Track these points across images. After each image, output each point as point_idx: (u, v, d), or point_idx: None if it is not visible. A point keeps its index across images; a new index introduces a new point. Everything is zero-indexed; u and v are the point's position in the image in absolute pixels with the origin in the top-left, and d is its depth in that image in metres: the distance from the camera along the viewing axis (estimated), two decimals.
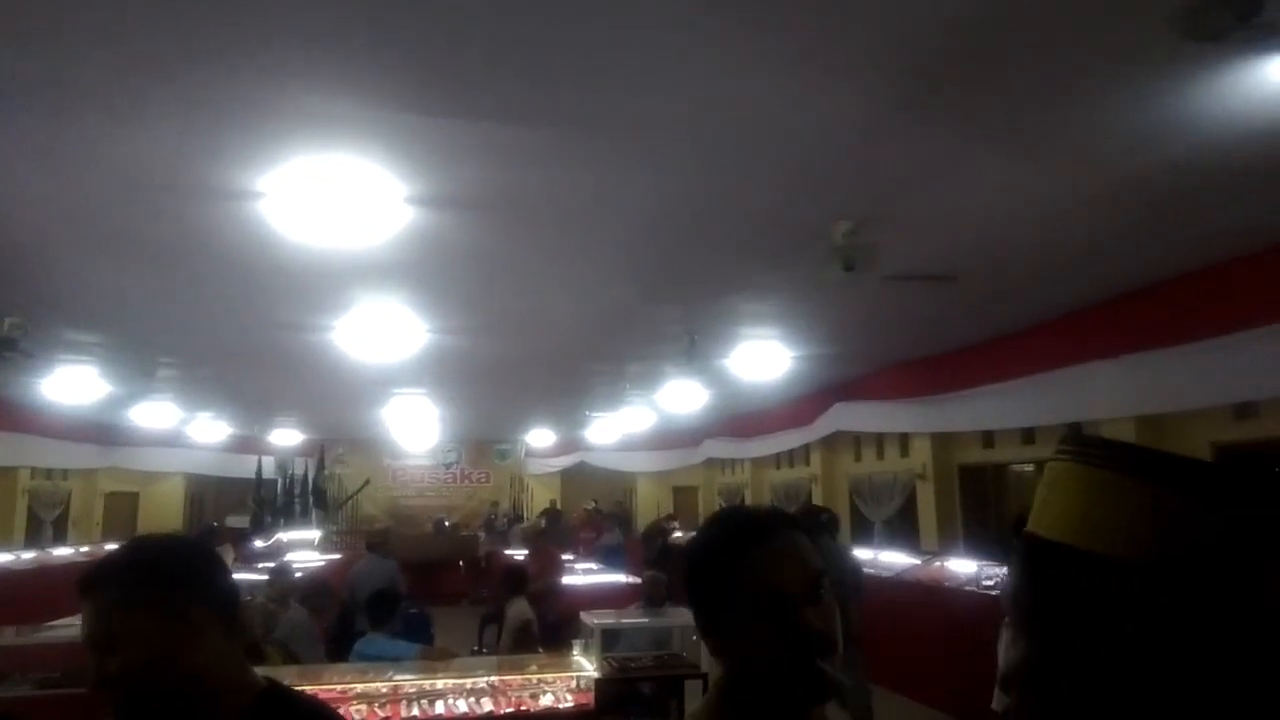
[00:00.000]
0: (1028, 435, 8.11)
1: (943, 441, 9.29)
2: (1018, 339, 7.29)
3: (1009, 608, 0.82)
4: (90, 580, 1.26)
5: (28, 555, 11.10)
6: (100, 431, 13.99)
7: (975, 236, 4.73)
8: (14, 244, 4.79)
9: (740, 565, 1.08)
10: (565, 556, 11.64)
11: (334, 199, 3.94)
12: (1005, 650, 2.77)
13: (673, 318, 6.83)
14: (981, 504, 9.07)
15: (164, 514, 16.72)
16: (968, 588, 7.10)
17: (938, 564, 8.05)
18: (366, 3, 2.51)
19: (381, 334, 6.82)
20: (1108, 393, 6.26)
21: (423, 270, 5.34)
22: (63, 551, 12.09)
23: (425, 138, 3.42)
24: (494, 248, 4.92)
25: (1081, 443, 0.76)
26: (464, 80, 2.98)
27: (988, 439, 8.82)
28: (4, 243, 4.75)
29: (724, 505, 15.08)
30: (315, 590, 5.81)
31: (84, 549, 12.66)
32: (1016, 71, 2.91)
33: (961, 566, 7.67)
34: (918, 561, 8.39)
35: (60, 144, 3.49)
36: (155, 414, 12.53)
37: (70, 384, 8.99)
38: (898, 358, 8.92)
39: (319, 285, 5.70)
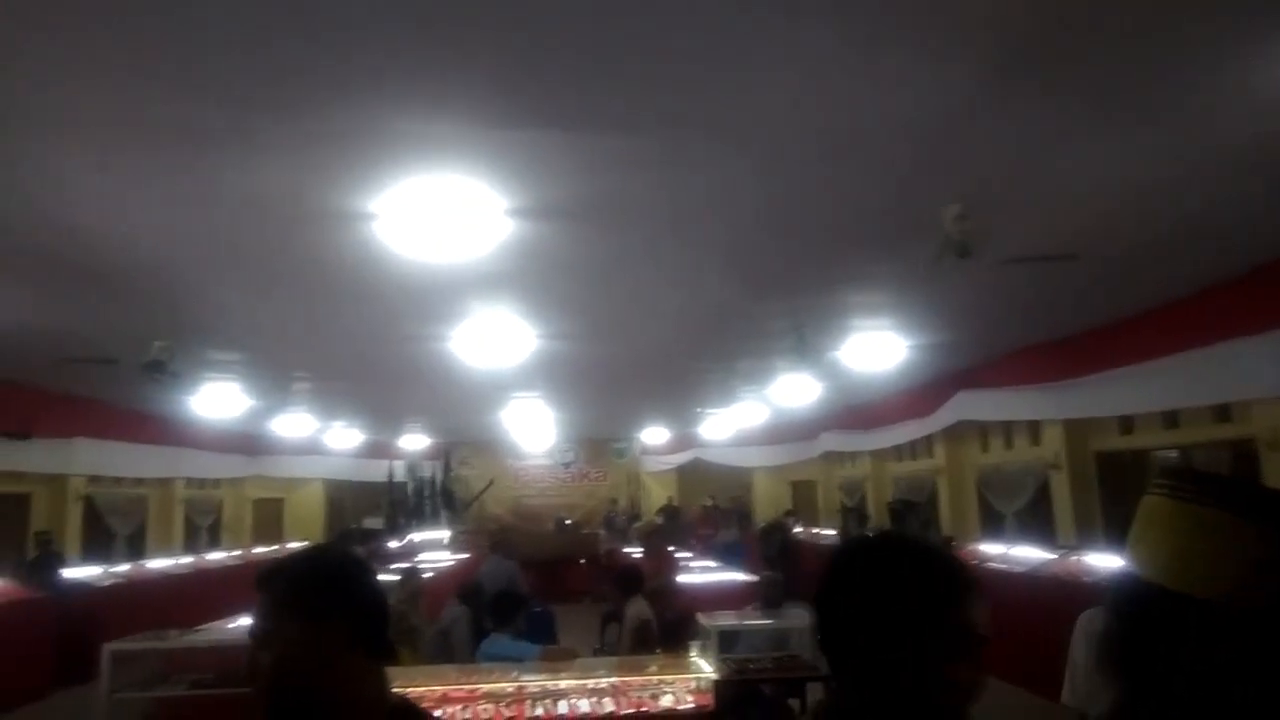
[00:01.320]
0: (1169, 419, 7.57)
1: (1077, 428, 8.78)
2: (1153, 316, 6.81)
3: (1100, 650, 0.75)
4: (260, 578, 1.38)
5: (186, 560, 12.00)
6: (246, 442, 15.00)
7: (1098, 212, 4.45)
8: (159, 274, 5.18)
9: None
10: (683, 554, 11.70)
11: (440, 216, 4.08)
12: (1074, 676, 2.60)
13: (780, 312, 6.73)
14: (1121, 493, 8.53)
15: (307, 518, 17.78)
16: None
17: (1075, 558, 7.62)
18: (459, 27, 2.58)
19: (494, 341, 7.02)
20: (1255, 371, 5.76)
21: (528, 279, 5.46)
22: (216, 556, 13.01)
23: (522, 151, 3.49)
24: (595, 253, 4.98)
25: (1176, 477, 0.71)
26: (556, 92, 3.02)
27: (1126, 424, 8.28)
28: (150, 273, 5.15)
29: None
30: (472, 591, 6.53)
31: (236, 553, 13.58)
32: (1130, 38, 2.72)
33: (1103, 560, 7.24)
34: (1053, 556, 7.97)
35: (194, 181, 3.75)
36: (294, 424, 13.36)
37: (216, 400, 9.67)
38: (1023, 342, 8.50)
39: (433, 298, 5.92)
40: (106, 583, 9.56)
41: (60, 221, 4.22)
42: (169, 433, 12.32)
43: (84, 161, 3.52)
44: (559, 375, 9.64)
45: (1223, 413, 6.88)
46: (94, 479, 11.36)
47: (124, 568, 10.50)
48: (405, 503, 17.54)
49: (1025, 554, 8.40)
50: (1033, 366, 8.61)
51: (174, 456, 12.76)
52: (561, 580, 13.93)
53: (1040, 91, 3.08)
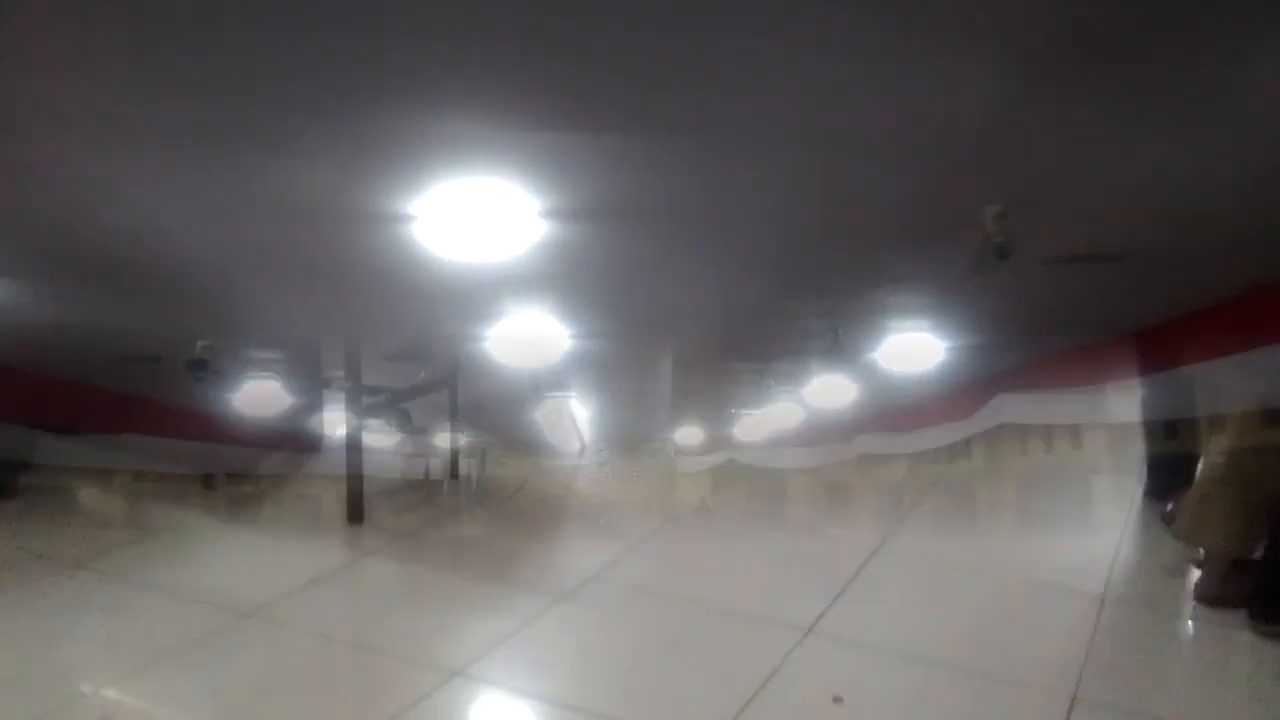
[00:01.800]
0: (1220, 424, 7.36)
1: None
2: (1205, 318, 6.63)
3: None
4: None
5: None
6: (287, 439, 15.17)
7: (1146, 212, 4.35)
8: (201, 274, 5.26)
9: None
10: None
11: (476, 218, 4.11)
12: None
13: (815, 313, 6.68)
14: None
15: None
16: None
17: None
18: (495, 29, 2.59)
19: (529, 341, 7.04)
20: None
21: (560, 280, 5.48)
22: None
23: (553, 153, 3.50)
24: (629, 254, 4.98)
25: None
26: (591, 94, 3.02)
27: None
28: (193, 273, 5.23)
29: None
30: None
31: None
32: (1184, 30, 2.64)
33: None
34: None
35: (235, 183, 3.81)
36: (334, 422, 13.48)
37: (257, 397, 9.80)
38: (1065, 344, 8.34)
39: (469, 299, 5.95)
40: None
41: (104, 223, 4.31)
42: (212, 429, 12.51)
43: (126, 163, 3.58)
44: (593, 375, 9.65)
45: (1276, 418, 6.67)
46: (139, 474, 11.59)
47: None
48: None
49: None
50: (1076, 370, 8.44)
51: (217, 453, 12.96)
52: None
53: (1086, 85, 2.99)
